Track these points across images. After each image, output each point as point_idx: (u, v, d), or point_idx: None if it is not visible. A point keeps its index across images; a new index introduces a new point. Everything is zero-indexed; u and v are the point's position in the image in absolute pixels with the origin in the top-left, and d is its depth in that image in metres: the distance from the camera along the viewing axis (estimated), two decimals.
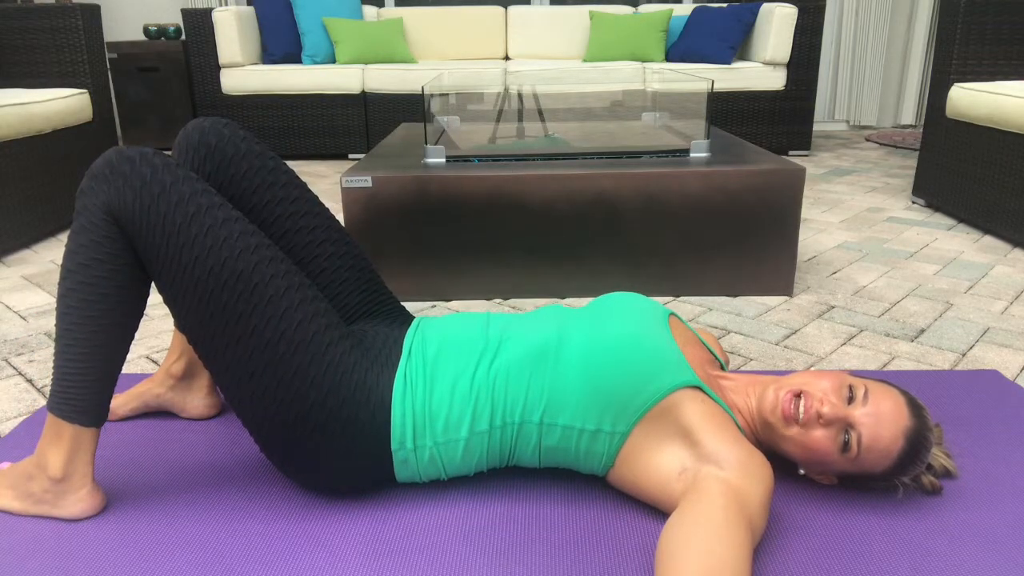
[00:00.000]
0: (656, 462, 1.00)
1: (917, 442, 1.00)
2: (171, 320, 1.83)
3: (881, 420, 0.99)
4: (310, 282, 1.05)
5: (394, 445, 1.03)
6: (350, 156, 4.11)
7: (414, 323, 1.14)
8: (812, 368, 1.55)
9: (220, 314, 0.98)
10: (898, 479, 1.04)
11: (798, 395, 1.02)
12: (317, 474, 1.05)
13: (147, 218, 0.96)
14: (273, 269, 1.00)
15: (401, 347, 1.08)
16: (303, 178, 3.09)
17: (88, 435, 1.02)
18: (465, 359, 1.06)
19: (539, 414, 1.03)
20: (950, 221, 2.70)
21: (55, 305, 1.93)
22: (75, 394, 1.00)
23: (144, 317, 1.85)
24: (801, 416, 1.01)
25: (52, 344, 1.70)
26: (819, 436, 1.01)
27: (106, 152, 1.00)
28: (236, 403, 1.02)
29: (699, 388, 1.01)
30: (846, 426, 1.00)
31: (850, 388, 1.01)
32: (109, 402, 1.04)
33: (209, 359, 1.01)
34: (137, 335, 1.73)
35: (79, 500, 1.04)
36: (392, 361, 1.06)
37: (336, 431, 1.00)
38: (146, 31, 4.27)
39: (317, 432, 1.00)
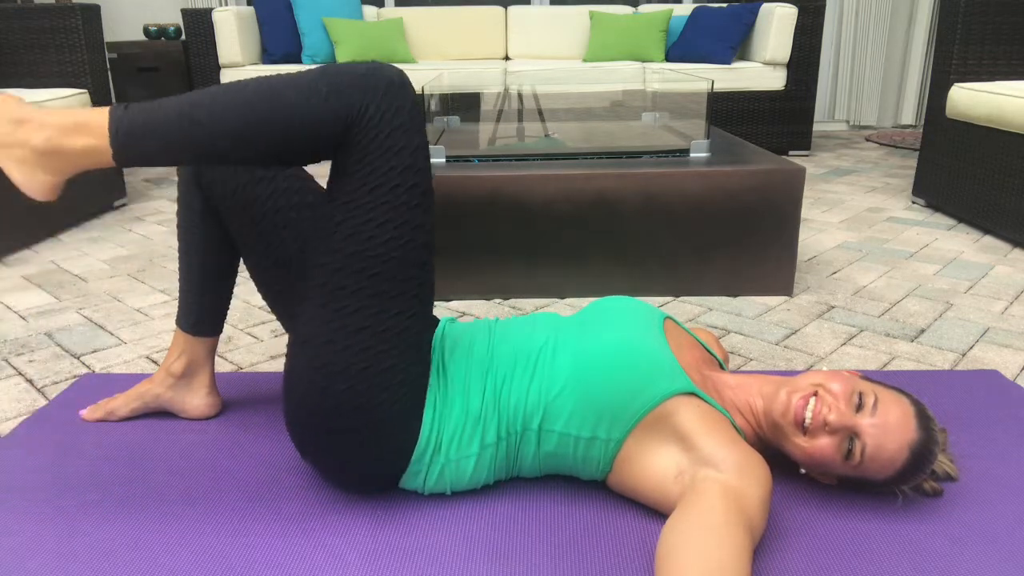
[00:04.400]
0: (653, 466, 1.00)
1: (922, 455, 1.00)
2: (171, 320, 1.83)
3: (887, 431, 0.98)
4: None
5: (415, 456, 1.03)
6: None
7: (437, 333, 1.14)
8: (813, 368, 1.55)
9: (338, 294, 0.99)
10: (899, 488, 1.04)
11: (809, 399, 1.01)
12: (331, 465, 1.04)
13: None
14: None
15: (429, 360, 1.08)
16: None
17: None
18: (476, 376, 1.06)
19: (537, 421, 1.04)
20: (950, 221, 2.70)
21: (56, 305, 1.93)
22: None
23: (144, 317, 1.85)
24: (808, 422, 1.00)
25: (52, 344, 1.70)
26: (824, 443, 1.00)
27: None
28: (291, 369, 1.01)
29: (693, 394, 1.01)
30: (851, 434, 0.99)
31: (860, 395, 1.00)
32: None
33: (296, 319, 1.04)
34: (137, 335, 1.74)
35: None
36: (425, 372, 1.06)
37: (372, 432, 1.00)
38: (146, 31, 4.27)
39: (350, 433, 0.99)
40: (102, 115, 0.96)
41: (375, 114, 0.95)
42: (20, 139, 0.98)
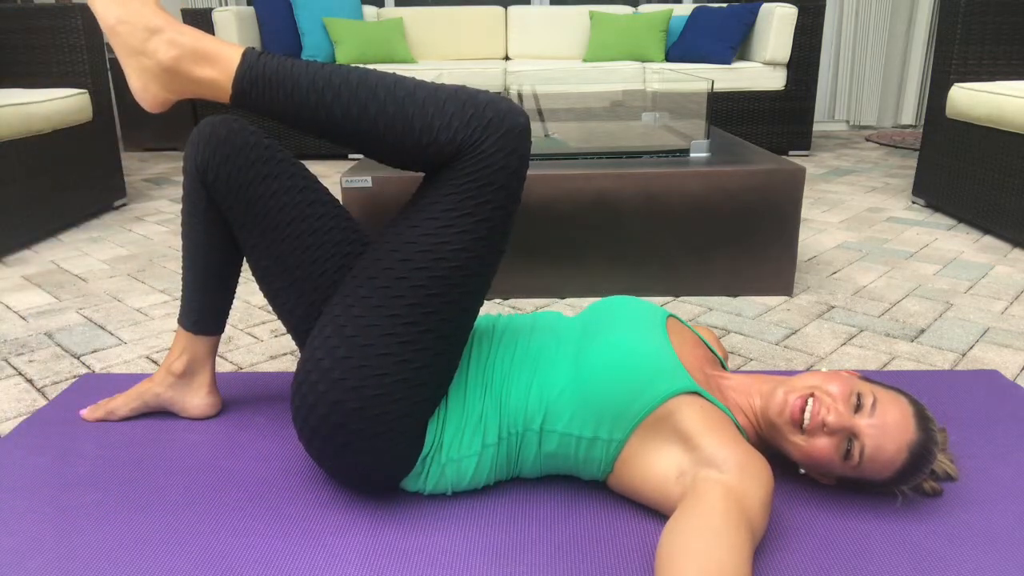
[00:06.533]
0: (654, 467, 1.00)
1: (920, 456, 0.99)
2: (171, 320, 1.83)
3: (886, 432, 0.98)
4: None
5: (421, 456, 1.03)
6: (350, 156, 4.11)
7: None
8: (812, 368, 1.55)
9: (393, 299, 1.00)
10: (899, 488, 1.04)
11: (807, 399, 1.01)
12: (333, 461, 1.03)
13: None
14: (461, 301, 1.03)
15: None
16: None
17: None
18: (477, 376, 1.06)
19: (539, 422, 1.04)
20: (950, 221, 2.70)
21: (56, 304, 1.93)
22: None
23: (143, 317, 1.85)
24: (807, 423, 1.00)
25: (52, 344, 1.70)
26: (822, 444, 1.00)
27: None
28: (313, 365, 1.00)
29: (696, 393, 1.01)
30: (850, 435, 0.99)
31: (858, 396, 1.00)
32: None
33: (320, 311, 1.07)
34: (137, 335, 1.74)
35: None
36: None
37: (388, 436, 1.00)
38: None
39: (366, 435, 0.99)
40: (234, 53, 0.99)
41: (488, 149, 0.97)
42: (150, 49, 0.99)
